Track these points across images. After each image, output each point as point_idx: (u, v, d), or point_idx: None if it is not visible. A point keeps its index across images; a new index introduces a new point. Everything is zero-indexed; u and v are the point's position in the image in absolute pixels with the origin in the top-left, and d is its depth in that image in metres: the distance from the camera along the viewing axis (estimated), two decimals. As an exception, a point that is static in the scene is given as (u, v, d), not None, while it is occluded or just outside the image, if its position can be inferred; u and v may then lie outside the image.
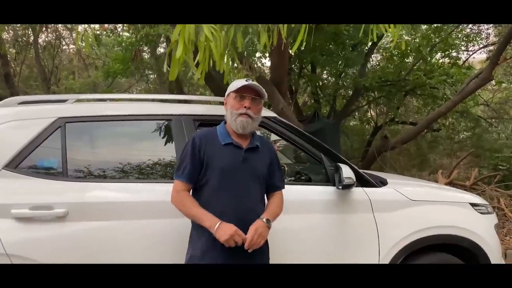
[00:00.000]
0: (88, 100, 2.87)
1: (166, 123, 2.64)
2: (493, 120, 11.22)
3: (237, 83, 2.17)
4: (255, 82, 2.19)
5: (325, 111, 11.06)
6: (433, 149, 11.74)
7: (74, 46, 14.49)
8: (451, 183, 6.52)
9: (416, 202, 2.83)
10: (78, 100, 2.65)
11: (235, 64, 3.25)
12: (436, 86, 8.69)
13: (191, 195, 2.13)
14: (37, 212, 2.21)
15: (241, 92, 2.15)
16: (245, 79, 2.25)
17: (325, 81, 10.83)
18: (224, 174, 2.09)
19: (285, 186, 2.72)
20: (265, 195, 2.26)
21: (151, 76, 15.17)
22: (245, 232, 2.00)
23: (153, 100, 3.08)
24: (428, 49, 8.45)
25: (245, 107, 2.13)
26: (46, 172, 2.37)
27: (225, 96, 2.27)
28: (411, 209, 2.81)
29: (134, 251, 2.30)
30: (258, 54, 10.41)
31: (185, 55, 2.53)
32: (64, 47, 14.71)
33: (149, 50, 10.93)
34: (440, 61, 9.54)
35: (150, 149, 2.65)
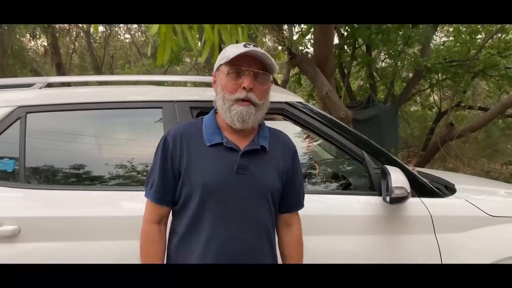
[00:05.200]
0: (62, 84, 2.32)
1: (155, 112, 2.02)
2: None
3: (231, 50, 1.38)
4: (258, 48, 1.39)
5: (382, 95, 10.11)
6: (506, 137, 10.46)
7: (129, 36, 14.62)
8: (533, 180, 5.48)
9: (498, 219, 2.04)
10: (49, 85, 2.10)
11: (257, 34, 2.54)
12: (510, 66, 7.49)
13: (162, 235, 1.45)
14: (-22, 230, 1.70)
15: (237, 64, 1.36)
16: (244, 43, 1.42)
17: (382, 62, 9.83)
18: (207, 194, 1.36)
19: (314, 196, 2.04)
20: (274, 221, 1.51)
21: (203, 64, 14.89)
22: None
23: (143, 82, 2.47)
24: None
25: (244, 88, 1.36)
26: (-1, 177, 1.84)
27: (214, 69, 1.48)
28: (490, 229, 2.01)
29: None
30: (308, 36, 9.65)
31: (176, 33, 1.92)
32: (120, 37, 14.90)
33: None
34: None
35: (134, 146, 2.06)
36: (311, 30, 8.69)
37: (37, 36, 10.78)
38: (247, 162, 1.39)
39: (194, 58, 14.67)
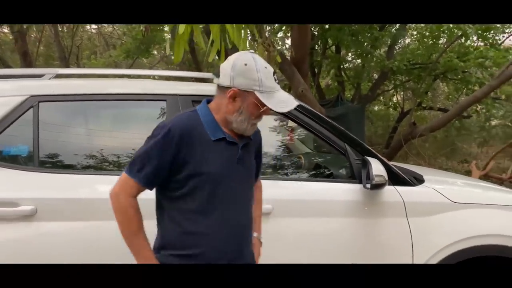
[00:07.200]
0: (70, 76, 2.45)
1: (159, 104, 2.20)
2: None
3: (266, 83, 1.49)
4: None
5: (349, 94, 10.52)
6: (463, 137, 11.12)
7: (95, 26, 14.38)
8: (486, 176, 5.96)
9: (460, 205, 2.34)
10: (58, 76, 2.23)
11: (255, 38, 2.74)
12: (468, 70, 8.03)
13: (139, 206, 1.53)
14: (-1, 209, 1.83)
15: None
16: (275, 75, 1.55)
17: (350, 63, 10.24)
18: (216, 183, 1.52)
19: (302, 183, 2.39)
20: None
21: (172, 57, 14.86)
22: (240, 256, 1.59)
23: (146, 76, 2.63)
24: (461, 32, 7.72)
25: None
26: (14, 161, 1.97)
27: (240, 86, 1.49)
28: (453, 214, 2.32)
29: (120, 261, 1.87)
30: (280, 34, 9.92)
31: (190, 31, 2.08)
32: (86, 27, 14.60)
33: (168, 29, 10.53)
34: (476, 44, 8.83)
35: (140, 136, 2.22)
36: (282, 28, 8.98)
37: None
38: (243, 153, 1.59)
39: (163, 51, 14.67)
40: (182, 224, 1.53)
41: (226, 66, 1.51)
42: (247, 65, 1.48)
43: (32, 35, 13.48)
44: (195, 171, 1.50)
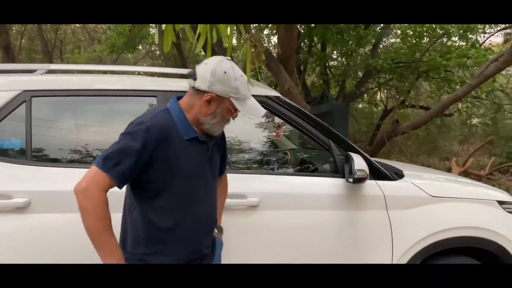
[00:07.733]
0: (62, 71, 2.50)
1: (150, 100, 2.26)
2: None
3: (243, 93, 1.61)
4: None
5: (334, 92, 10.65)
6: (444, 134, 11.36)
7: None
8: (465, 172, 6.14)
9: (437, 199, 2.46)
10: (50, 71, 2.28)
11: (241, 34, 2.79)
12: (450, 69, 8.23)
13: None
14: (-8, 201, 1.88)
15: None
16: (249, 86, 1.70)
17: (335, 61, 10.37)
18: (189, 181, 1.60)
19: (288, 177, 2.46)
20: None
21: (157, 52, 14.83)
22: (200, 248, 1.69)
23: (137, 73, 2.69)
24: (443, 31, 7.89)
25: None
26: (7, 155, 2.02)
27: (217, 92, 1.58)
28: (431, 207, 2.44)
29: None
30: (266, 31, 10.00)
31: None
32: (71, 21, 14.41)
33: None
34: (457, 43, 9.03)
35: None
36: (269, 26, 9.06)
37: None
38: (211, 152, 1.70)
39: (148, 46, 14.63)
40: (155, 221, 1.58)
41: (205, 72, 1.58)
42: (227, 73, 1.58)
43: (14, 29, 13.28)
44: (169, 170, 1.56)
